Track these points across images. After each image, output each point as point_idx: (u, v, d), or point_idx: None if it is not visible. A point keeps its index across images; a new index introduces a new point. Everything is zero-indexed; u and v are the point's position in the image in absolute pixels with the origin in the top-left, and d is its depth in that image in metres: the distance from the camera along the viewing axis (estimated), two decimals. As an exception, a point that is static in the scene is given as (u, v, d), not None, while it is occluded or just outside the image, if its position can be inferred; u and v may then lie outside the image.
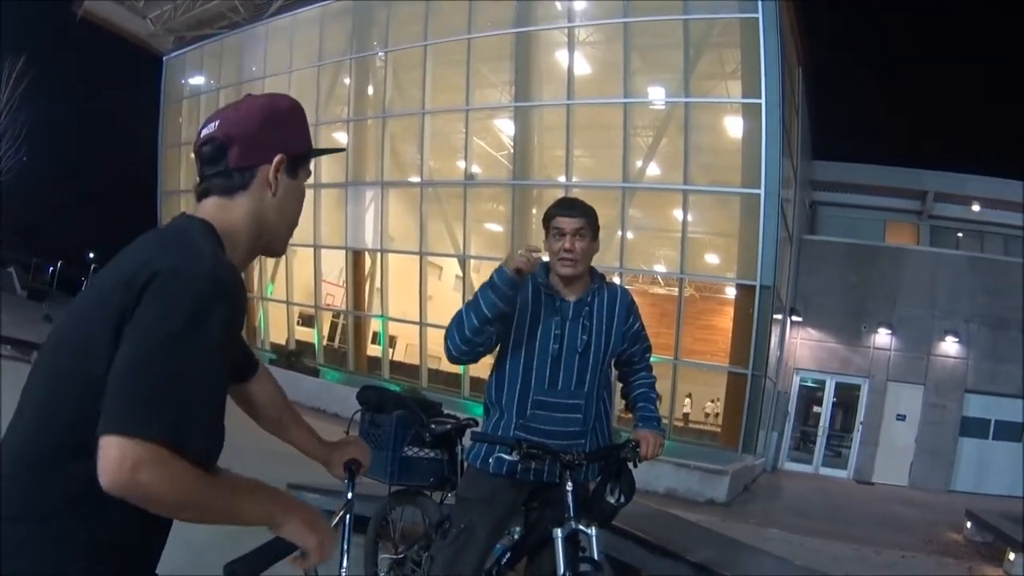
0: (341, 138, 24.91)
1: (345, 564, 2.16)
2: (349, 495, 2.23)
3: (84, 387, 1.31)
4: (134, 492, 1.23)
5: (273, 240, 1.65)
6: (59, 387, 1.36)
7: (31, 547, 1.29)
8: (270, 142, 1.58)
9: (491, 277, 3.04)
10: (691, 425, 21.95)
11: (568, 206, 3.23)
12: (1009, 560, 8.90)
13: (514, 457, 2.96)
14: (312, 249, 24.09)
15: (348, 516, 2.21)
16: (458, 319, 3.13)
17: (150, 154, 33.49)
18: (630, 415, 3.48)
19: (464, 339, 3.11)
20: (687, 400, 22.28)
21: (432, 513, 3.93)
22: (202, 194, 1.58)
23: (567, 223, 3.14)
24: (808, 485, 18.08)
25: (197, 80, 31.19)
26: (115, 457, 1.21)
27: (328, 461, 2.11)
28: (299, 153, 1.65)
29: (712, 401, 21.87)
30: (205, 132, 1.57)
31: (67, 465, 1.31)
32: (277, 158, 1.58)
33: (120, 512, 1.28)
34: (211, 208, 1.56)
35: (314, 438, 2.07)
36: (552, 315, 3.16)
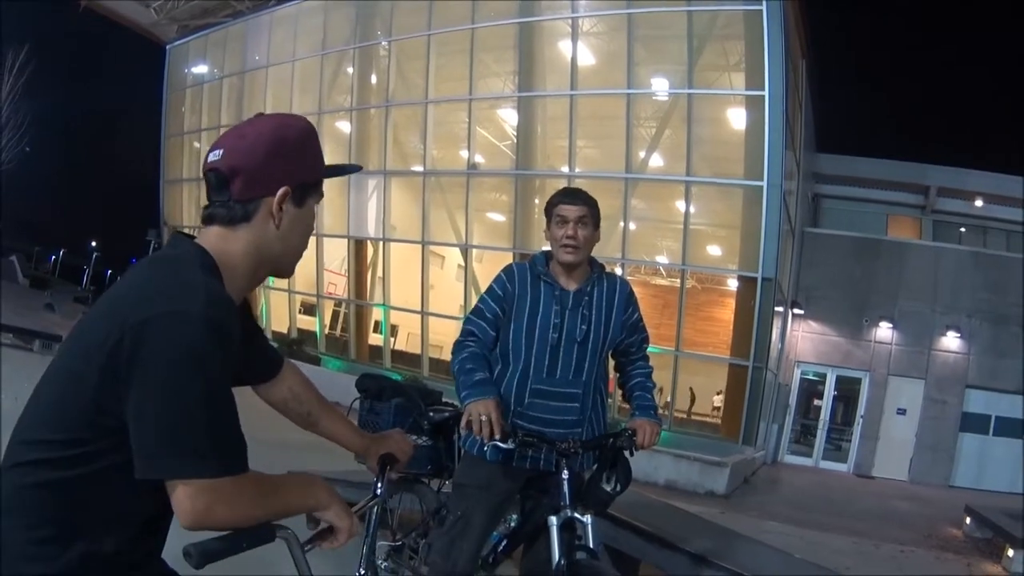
0: (344, 127, 24.92)
1: (365, 553, 2.34)
2: (378, 488, 2.30)
3: (68, 412, 1.38)
4: (212, 527, 1.37)
5: (276, 268, 1.64)
6: (50, 412, 1.42)
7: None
8: (275, 174, 1.55)
9: (460, 394, 3.05)
10: (693, 417, 21.93)
11: (571, 195, 3.22)
12: (1008, 557, 8.87)
13: (510, 445, 2.95)
14: (314, 237, 23.72)
15: (375, 508, 2.31)
16: (454, 373, 3.17)
17: (153, 143, 33.61)
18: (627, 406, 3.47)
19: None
20: (718, 396, 22.37)
21: (429, 501, 3.92)
22: (206, 219, 1.58)
23: (570, 211, 3.15)
24: (808, 478, 18.09)
25: (200, 69, 31.15)
26: (189, 504, 1.33)
27: (365, 453, 2.17)
28: (307, 182, 1.62)
29: (718, 393, 21.94)
30: (211, 159, 1.55)
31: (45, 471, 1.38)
32: (281, 191, 1.55)
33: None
34: (213, 237, 1.55)
35: (350, 430, 2.11)
36: (551, 304, 3.16)
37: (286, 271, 1.67)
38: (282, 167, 1.55)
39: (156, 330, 1.33)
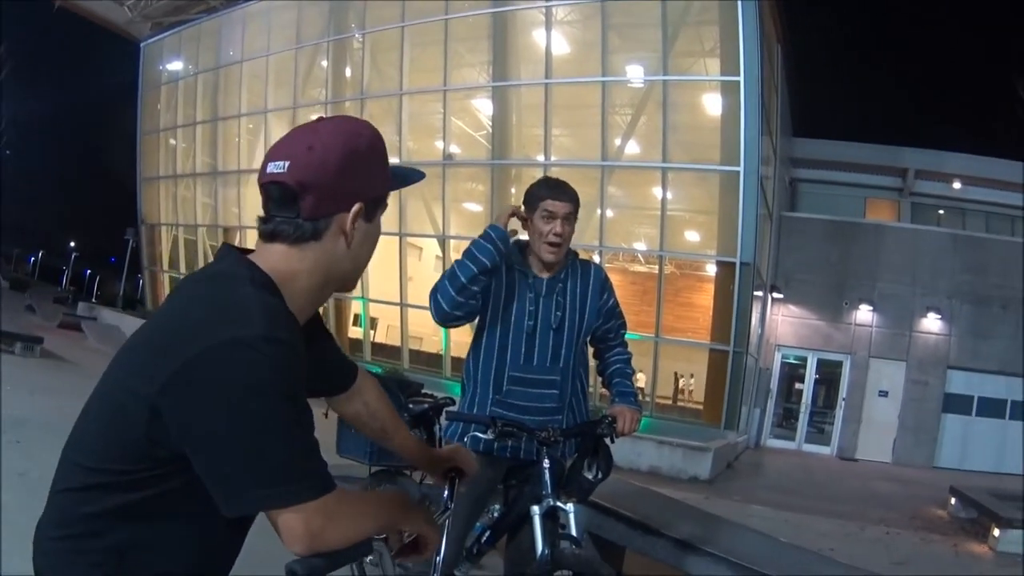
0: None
1: (438, 563, 2.45)
2: (450, 503, 2.36)
3: (116, 444, 1.33)
4: (326, 548, 1.34)
5: (342, 284, 1.55)
6: (98, 441, 1.36)
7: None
8: (348, 190, 1.43)
9: (485, 232, 3.07)
10: (676, 403, 21.98)
11: (560, 189, 3.21)
12: (994, 536, 8.96)
13: (490, 435, 2.95)
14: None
15: (447, 521, 2.39)
16: (449, 274, 3.12)
17: (129, 142, 33.41)
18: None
19: (457, 290, 3.09)
20: (682, 379, 22.44)
21: (412, 492, 3.94)
22: (268, 236, 1.44)
23: (559, 207, 3.14)
24: (791, 462, 18.22)
25: (175, 65, 31.03)
26: (302, 528, 1.29)
27: (430, 468, 2.13)
28: (379, 196, 1.52)
29: (690, 376, 22.04)
30: (273, 170, 1.41)
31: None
32: (355, 208, 1.44)
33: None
34: (276, 255, 1.43)
35: (417, 445, 2.07)
36: (526, 291, 3.17)
37: (351, 287, 1.60)
38: (355, 182, 1.44)
39: (219, 360, 1.26)
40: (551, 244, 3.11)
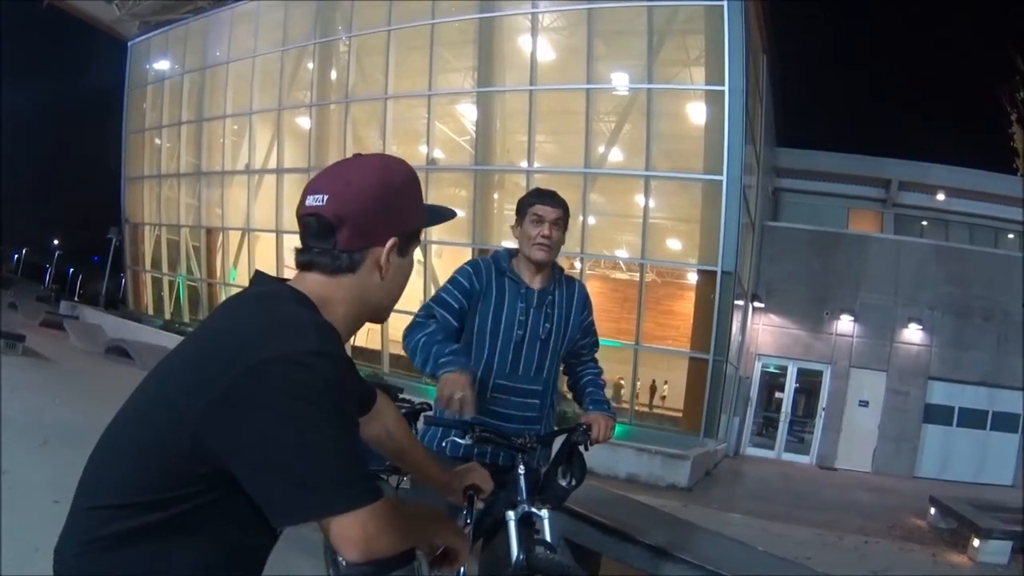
0: (304, 123, 24.91)
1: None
2: (468, 519, 2.47)
3: (155, 468, 1.32)
4: (381, 554, 1.35)
5: (375, 316, 1.58)
6: (132, 444, 1.37)
7: None
8: (383, 225, 1.49)
9: (431, 364, 3.00)
10: (654, 410, 21.99)
11: (549, 197, 3.27)
12: (974, 547, 8.92)
13: (468, 441, 2.95)
14: (275, 234, 24.09)
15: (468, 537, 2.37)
16: (411, 348, 3.14)
17: (114, 141, 33.35)
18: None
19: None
20: (665, 386, 22.47)
21: (388, 495, 3.88)
22: (304, 265, 1.51)
23: (548, 212, 3.19)
24: (770, 470, 18.21)
25: (162, 65, 30.94)
26: (360, 533, 1.31)
27: (448, 488, 2.17)
28: (413, 232, 1.58)
29: (664, 383, 22.09)
30: (313, 203, 1.47)
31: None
32: (390, 242, 1.49)
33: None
34: (313, 284, 1.48)
35: (435, 466, 2.14)
36: (517, 301, 3.20)
37: (383, 319, 1.62)
38: (390, 217, 1.50)
39: (273, 373, 1.28)
40: (539, 245, 3.14)
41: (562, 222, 3.22)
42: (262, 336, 1.32)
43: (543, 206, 3.20)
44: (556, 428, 3.35)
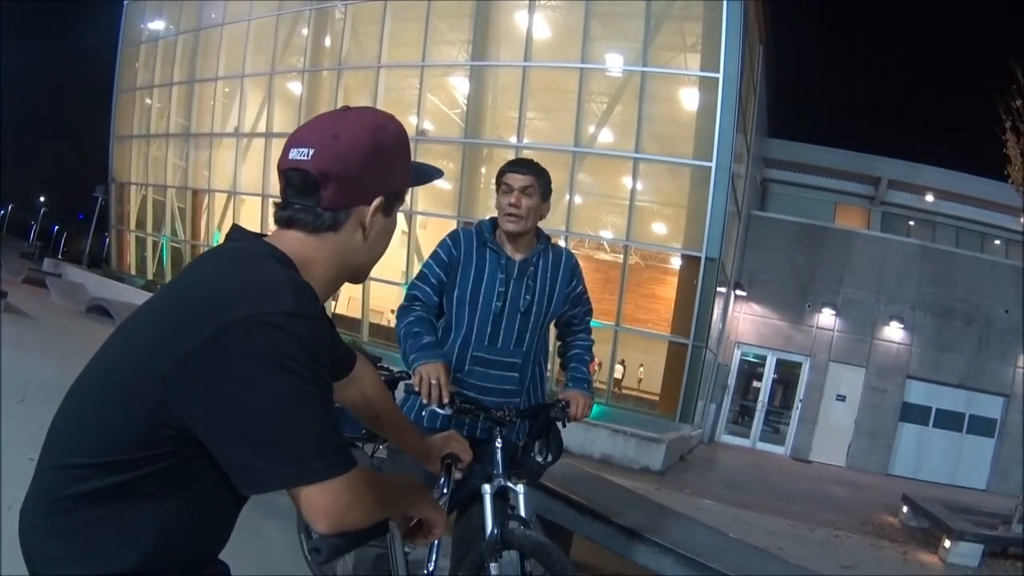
0: (295, 88, 24.77)
1: (434, 558, 2.59)
2: (444, 489, 2.47)
3: (118, 430, 1.27)
4: (351, 526, 1.30)
5: (355, 276, 1.53)
6: (97, 405, 1.32)
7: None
8: (371, 183, 1.42)
9: (408, 358, 3.03)
10: (629, 391, 22.07)
11: (519, 163, 3.22)
12: (945, 547, 8.97)
13: (447, 411, 2.92)
14: (260, 199, 24.00)
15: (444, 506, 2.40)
16: (397, 337, 3.18)
17: (105, 98, 33.15)
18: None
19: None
20: (641, 369, 22.49)
21: (364, 464, 3.86)
22: (285, 222, 1.43)
23: (516, 179, 3.12)
24: (744, 459, 18.29)
25: (157, 25, 30.76)
26: (331, 503, 1.26)
27: (426, 456, 2.15)
28: (399, 191, 1.51)
29: (640, 366, 22.14)
30: (296, 156, 1.39)
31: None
32: (376, 202, 1.43)
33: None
34: (292, 242, 1.41)
35: (411, 431, 2.11)
36: (496, 272, 3.15)
37: (362, 279, 1.57)
38: (378, 175, 1.44)
39: (245, 334, 1.22)
40: (508, 215, 3.10)
41: (534, 189, 3.13)
42: (234, 295, 1.26)
43: (512, 174, 3.14)
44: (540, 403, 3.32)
